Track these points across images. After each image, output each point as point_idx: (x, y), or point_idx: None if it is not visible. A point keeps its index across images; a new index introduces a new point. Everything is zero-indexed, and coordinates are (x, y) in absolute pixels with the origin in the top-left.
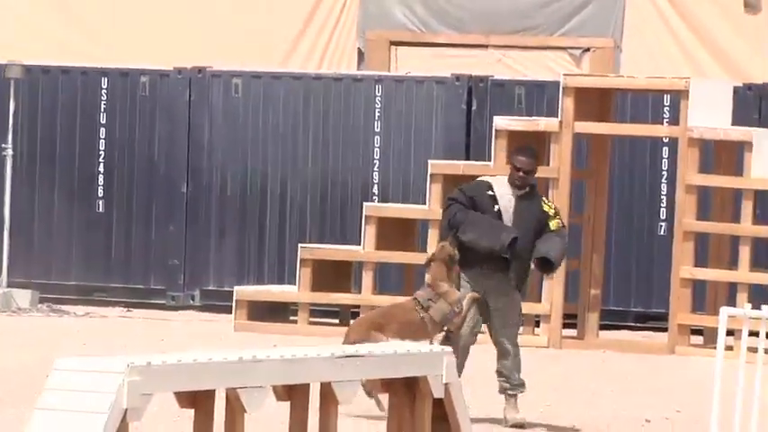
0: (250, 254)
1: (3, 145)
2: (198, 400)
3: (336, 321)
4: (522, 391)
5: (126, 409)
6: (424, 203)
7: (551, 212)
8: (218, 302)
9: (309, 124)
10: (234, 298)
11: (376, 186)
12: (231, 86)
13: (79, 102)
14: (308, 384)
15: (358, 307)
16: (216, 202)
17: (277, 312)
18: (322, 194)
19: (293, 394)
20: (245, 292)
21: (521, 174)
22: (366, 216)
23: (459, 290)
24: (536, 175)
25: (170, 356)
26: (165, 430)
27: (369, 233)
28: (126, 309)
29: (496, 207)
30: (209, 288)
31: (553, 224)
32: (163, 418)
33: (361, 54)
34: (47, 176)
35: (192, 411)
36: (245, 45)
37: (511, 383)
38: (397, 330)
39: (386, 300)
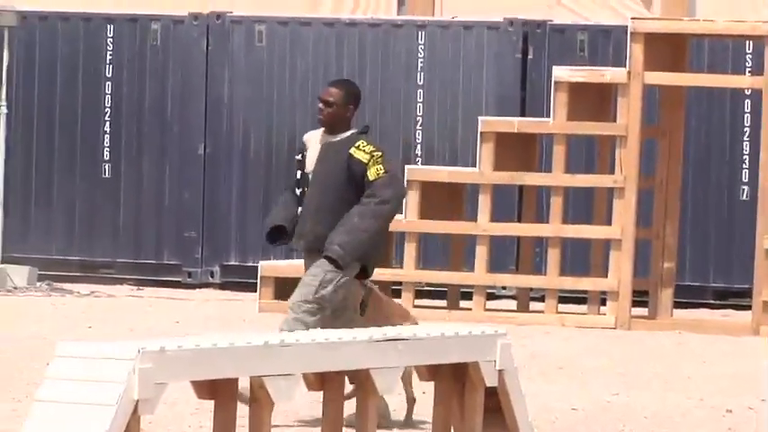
0: None
1: None
2: (218, 390)
3: None
4: None
5: (137, 401)
6: (474, 166)
7: (365, 159)
8: (240, 279)
9: (343, 77)
10: (258, 274)
11: (419, 147)
12: (254, 34)
13: (81, 53)
14: (344, 372)
15: (399, 283)
16: (238, 165)
17: None
18: None
19: (326, 383)
20: (272, 267)
21: (320, 105)
22: (408, 181)
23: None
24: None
25: (186, 341)
26: (181, 424)
27: (411, 200)
28: (136, 287)
29: (299, 173)
30: (231, 263)
31: (372, 173)
32: (179, 410)
33: None
34: (45, 138)
35: (211, 403)
36: None
37: None
38: None
39: (430, 275)
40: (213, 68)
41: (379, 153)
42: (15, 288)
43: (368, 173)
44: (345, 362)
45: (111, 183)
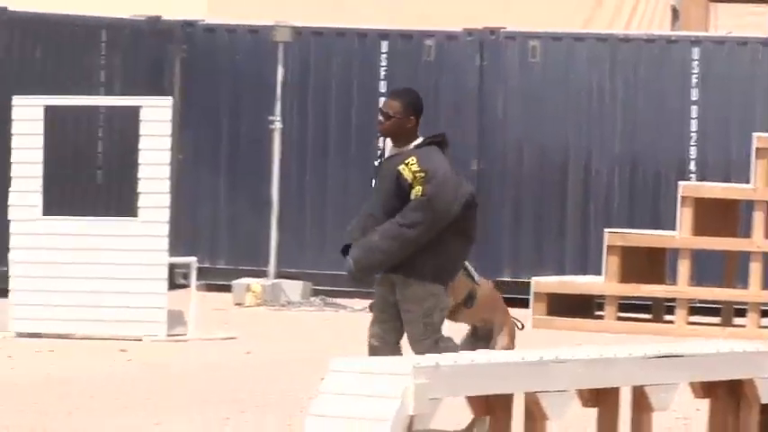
0: (549, 240)
1: (270, 117)
2: (493, 406)
3: (648, 316)
4: None
5: (412, 416)
6: (748, 182)
7: (410, 178)
8: (513, 295)
9: (617, 93)
10: (531, 290)
11: (693, 163)
12: (528, 50)
13: (356, 68)
14: (618, 388)
15: (672, 300)
16: (510, 181)
17: (581, 307)
18: (631, 172)
19: (601, 399)
20: (545, 284)
21: (379, 117)
22: (682, 197)
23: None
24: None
25: (461, 356)
26: None
27: (685, 216)
28: None
29: (374, 181)
30: (504, 279)
31: (413, 194)
32: (452, 425)
33: (675, 12)
34: (319, 152)
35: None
36: (544, 2)
37: None
38: None
39: (704, 292)
40: (487, 84)
41: (422, 174)
42: (289, 303)
43: (411, 192)
44: (620, 378)
45: None
